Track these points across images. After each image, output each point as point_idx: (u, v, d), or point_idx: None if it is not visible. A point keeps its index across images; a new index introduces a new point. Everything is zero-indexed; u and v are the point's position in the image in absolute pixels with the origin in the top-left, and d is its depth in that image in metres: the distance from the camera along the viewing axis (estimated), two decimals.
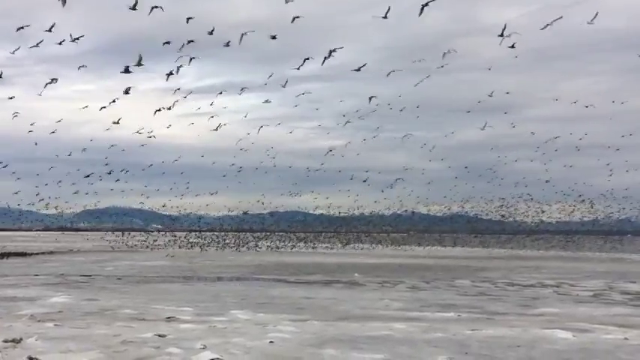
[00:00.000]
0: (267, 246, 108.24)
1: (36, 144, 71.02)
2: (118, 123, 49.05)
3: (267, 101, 62.33)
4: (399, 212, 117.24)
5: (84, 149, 67.64)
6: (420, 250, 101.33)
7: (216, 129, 54.00)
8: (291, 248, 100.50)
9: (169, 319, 21.35)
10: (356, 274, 44.31)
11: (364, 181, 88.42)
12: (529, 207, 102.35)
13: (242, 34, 31.48)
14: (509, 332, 19.16)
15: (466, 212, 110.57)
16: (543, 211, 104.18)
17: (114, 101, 46.57)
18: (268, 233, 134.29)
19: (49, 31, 31.44)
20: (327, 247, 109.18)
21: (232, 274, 44.02)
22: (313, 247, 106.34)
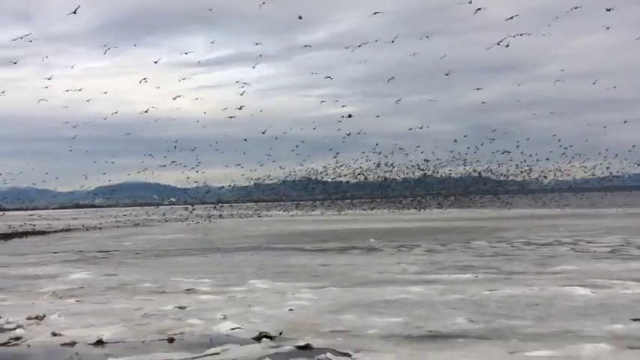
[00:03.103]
0: (282, 215, 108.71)
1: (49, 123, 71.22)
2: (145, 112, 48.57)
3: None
4: (412, 176, 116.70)
5: (94, 126, 67.76)
6: (436, 213, 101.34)
7: (240, 107, 53.33)
8: (307, 214, 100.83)
9: (189, 291, 21.57)
10: (372, 240, 44.41)
11: (376, 146, 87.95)
12: (544, 166, 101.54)
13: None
14: (528, 291, 19.21)
15: (481, 173, 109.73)
16: (560, 170, 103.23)
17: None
18: (282, 202, 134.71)
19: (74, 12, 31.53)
20: (341, 213, 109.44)
21: (249, 245, 44.28)
22: (329, 213, 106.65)
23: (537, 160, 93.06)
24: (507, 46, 39.47)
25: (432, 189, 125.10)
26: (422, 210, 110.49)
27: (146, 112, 61.39)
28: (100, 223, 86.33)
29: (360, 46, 46.41)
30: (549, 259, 29.02)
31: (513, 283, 21.32)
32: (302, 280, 23.40)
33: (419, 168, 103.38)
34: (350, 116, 55.75)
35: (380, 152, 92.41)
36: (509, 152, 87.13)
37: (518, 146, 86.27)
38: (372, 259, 31.24)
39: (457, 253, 33.53)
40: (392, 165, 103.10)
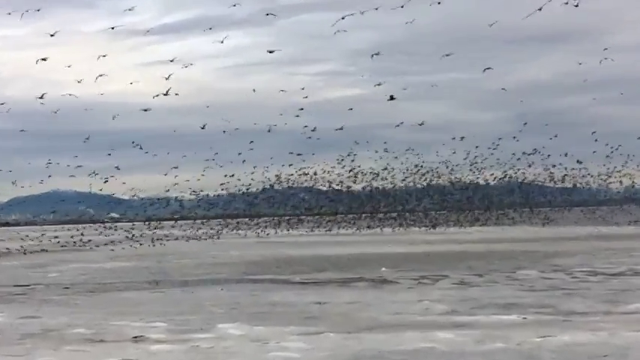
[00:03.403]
0: (261, 234, 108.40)
1: None
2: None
3: (272, 51, 58.93)
4: (433, 183, 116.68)
5: (8, 116, 67.30)
6: (467, 232, 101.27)
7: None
8: (293, 236, 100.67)
9: (137, 338, 21.46)
10: (383, 269, 44.32)
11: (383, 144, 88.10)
12: (610, 168, 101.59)
13: None
14: (593, 338, 19.18)
15: (524, 179, 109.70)
16: (632, 176, 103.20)
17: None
18: (262, 218, 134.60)
19: None
20: (341, 233, 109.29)
21: (217, 275, 44.07)
22: (323, 234, 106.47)
23: (609, 161, 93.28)
24: (577, 5, 38.97)
25: (457, 200, 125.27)
26: (438, 228, 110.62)
27: (78, 97, 61.20)
28: (17, 248, 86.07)
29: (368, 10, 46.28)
30: (621, 294, 28.99)
31: (574, 326, 21.29)
32: (290, 324, 23.29)
33: (436, 174, 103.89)
34: (393, 98, 54.42)
35: (388, 150, 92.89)
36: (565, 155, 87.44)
37: (575, 140, 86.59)
38: (384, 295, 31.15)
39: (498, 286, 33.47)
40: (392, 169, 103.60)
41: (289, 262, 53.98)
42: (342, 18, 44.48)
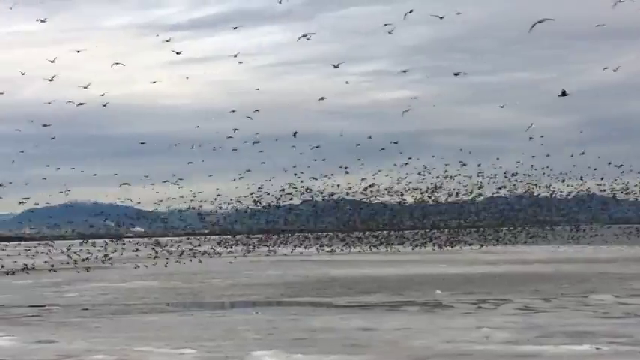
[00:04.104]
0: (301, 251, 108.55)
1: None
2: (87, 88, 49.63)
3: (304, 36, 59.61)
4: (494, 195, 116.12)
5: (24, 119, 68.38)
6: (532, 250, 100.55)
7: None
8: (336, 253, 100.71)
9: None
10: (437, 291, 44.20)
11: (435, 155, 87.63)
12: None
13: None
14: None
15: (601, 192, 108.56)
16: None
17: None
18: (300, 233, 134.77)
19: None
20: (389, 250, 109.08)
21: (252, 297, 44.26)
22: (371, 251, 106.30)
23: None
24: None
25: (521, 214, 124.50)
26: (500, 246, 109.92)
27: (98, 98, 61.90)
28: (32, 264, 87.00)
29: None
30: None
31: None
32: (332, 352, 23.31)
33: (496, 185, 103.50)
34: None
35: (442, 158, 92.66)
36: None
37: None
38: (438, 321, 31.05)
39: (568, 312, 33.23)
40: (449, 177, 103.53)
41: (332, 282, 53.98)
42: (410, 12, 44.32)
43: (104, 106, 65.06)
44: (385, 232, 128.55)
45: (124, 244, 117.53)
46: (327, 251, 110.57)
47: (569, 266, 66.12)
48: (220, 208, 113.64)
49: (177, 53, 68.29)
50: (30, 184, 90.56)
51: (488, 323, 29.50)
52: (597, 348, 23.14)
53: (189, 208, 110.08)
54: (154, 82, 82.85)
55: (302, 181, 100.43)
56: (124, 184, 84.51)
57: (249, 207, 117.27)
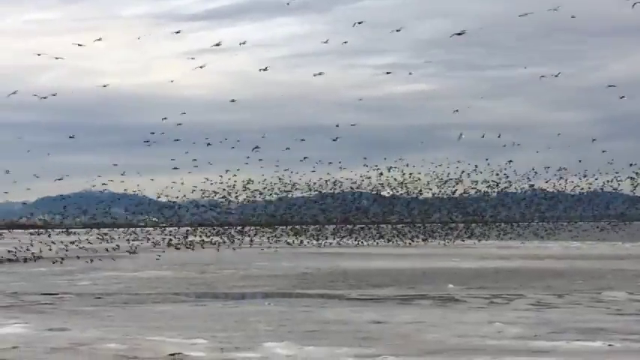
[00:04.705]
0: (316, 243, 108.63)
1: None
2: (103, 77, 49.62)
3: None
4: (511, 190, 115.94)
5: (43, 106, 68.61)
6: (546, 246, 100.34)
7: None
8: (350, 246, 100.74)
9: (174, 356, 21.63)
10: (450, 285, 44.20)
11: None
12: None
13: None
14: None
15: (620, 188, 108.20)
16: None
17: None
18: (316, 225, 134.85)
19: None
20: (402, 244, 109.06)
21: (265, 289, 44.36)
22: (384, 245, 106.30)
23: None
24: None
25: (537, 209, 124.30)
26: (513, 241, 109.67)
27: (115, 86, 61.98)
28: (45, 252, 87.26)
29: None
30: None
31: None
32: (343, 345, 23.31)
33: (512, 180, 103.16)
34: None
35: (458, 153, 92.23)
36: None
37: None
38: (450, 315, 31.05)
39: (581, 308, 33.17)
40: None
41: (345, 275, 54.00)
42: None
43: (120, 94, 65.25)
44: (400, 225, 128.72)
45: (149, 234, 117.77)
46: (342, 244, 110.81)
47: (583, 262, 65.97)
48: (236, 198, 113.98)
49: (192, 58, 68.03)
50: (45, 172, 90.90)
51: (501, 318, 29.49)
52: (610, 345, 23.08)
53: (202, 197, 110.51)
54: (172, 81, 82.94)
55: (314, 172, 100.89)
56: (140, 173, 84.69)
57: (266, 198, 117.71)
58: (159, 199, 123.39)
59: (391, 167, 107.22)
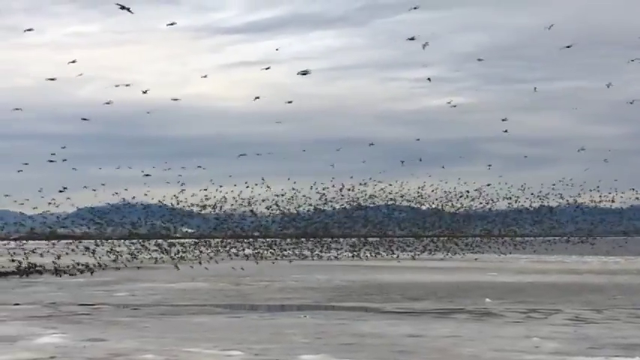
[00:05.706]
0: (352, 256, 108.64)
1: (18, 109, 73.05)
2: (146, 93, 50.25)
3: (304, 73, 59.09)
4: (548, 204, 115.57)
5: (83, 119, 69.38)
6: (585, 261, 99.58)
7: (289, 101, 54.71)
8: (386, 259, 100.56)
9: None
10: (487, 299, 43.98)
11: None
12: None
13: None
14: None
15: None
16: None
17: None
18: (351, 238, 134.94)
19: None
20: (439, 257, 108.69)
21: (301, 301, 44.37)
22: (422, 258, 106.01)
23: None
24: None
25: (576, 224, 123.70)
26: (550, 256, 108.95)
27: (154, 98, 62.44)
28: (84, 263, 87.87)
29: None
30: None
31: None
32: (380, 358, 23.35)
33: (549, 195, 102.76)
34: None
35: (494, 166, 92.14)
36: None
37: None
38: (487, 329, 30.91)
39: (620, 324, 32.90)
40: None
41: (381, 288, 53.89)
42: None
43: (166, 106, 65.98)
44: (437, 237, 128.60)
45: (194, 244, 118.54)
46: (378, 257, 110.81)
47: (622, 277, 65.42)
48: (269, 210, 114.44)
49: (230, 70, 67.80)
50: (83, 184, 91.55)
51: (538, 333, 29.34)
52: None
53: (236, 209, 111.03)
54: (210, 87, 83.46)
55: (352, 185, 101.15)
56: (175, 184, 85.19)
57: (302, 209, 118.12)
58: (193, 210, 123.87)
59: (425, 182, 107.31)
